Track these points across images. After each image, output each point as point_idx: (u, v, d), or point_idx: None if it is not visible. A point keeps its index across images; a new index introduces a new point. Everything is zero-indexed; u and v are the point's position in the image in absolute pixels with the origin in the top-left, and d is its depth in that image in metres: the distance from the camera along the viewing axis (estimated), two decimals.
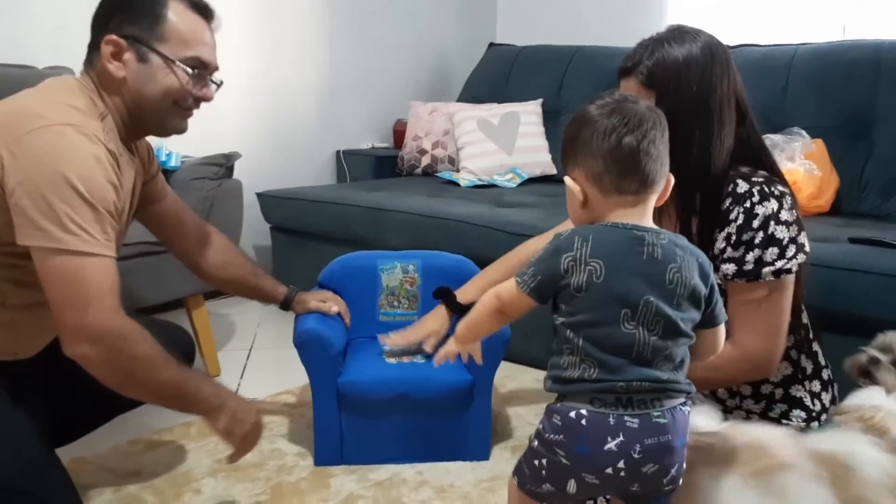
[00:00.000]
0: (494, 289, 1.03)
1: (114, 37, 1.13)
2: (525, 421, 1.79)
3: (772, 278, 1.18)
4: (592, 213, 0.99)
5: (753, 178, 1.20)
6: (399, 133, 3.26)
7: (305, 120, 3.10)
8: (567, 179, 1.01)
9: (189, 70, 1.18)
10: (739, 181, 1.20)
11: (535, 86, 3.07)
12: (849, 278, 1.56)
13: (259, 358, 2.26)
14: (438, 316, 1.62)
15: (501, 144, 2.90)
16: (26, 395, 1.20)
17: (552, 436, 0.94)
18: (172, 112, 1.21)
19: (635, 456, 0.91)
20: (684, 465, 0.96)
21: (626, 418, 0.92)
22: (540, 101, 3.00)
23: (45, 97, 1.11)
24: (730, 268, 1.20)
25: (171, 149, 2.13)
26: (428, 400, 1.55)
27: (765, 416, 1.33)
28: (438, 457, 1.58)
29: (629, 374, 0.92)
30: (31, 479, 1.06)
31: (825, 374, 1.35)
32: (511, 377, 2.06)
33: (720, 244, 1.22)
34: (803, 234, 1.20)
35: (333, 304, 1.60)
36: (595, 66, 2.95)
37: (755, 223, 1.18)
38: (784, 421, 1.31)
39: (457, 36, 3.66)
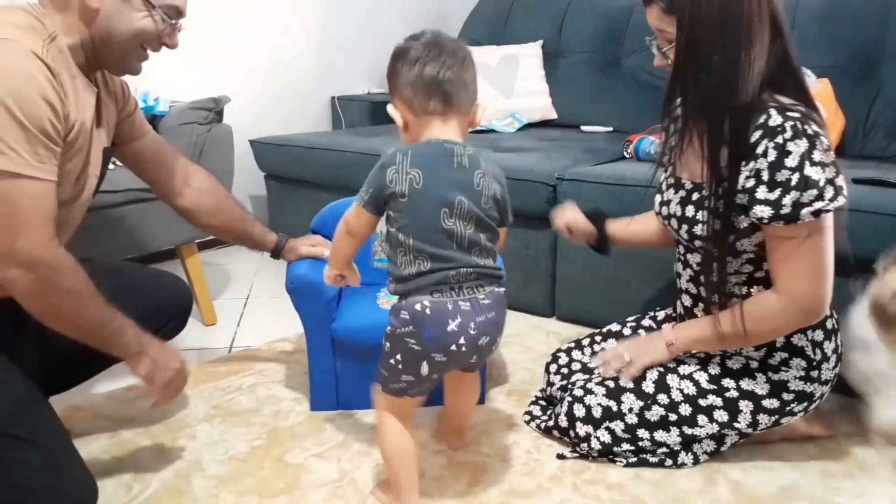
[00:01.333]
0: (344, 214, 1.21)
1: None
2: (521, 366, 1.79)
3: (811, 219, 1.14)
4: (413, 134, 1.18)
5: (789, 113, 1.14)
6: None
7: (300, 65, 3.03)
8: (389, 108, 1.19)
9: (166, 17, 1.18)
10: (773, 113, 1.15)
11: (534, 27, 2.98)
12: (852, 219, 1.52)
13: (255, 307, 2.25)
14: (581, 218, 1.58)
15: (500, 88, 2.83)
16: (19, 339, 1.18)
17: (402, 329, 1.13)
18: (136, 52, 1.19)
19: (472, 332, 1.13)
20: (500, 333, 1.21)
21: (460, 303, 1.12)
22: (539, 42, 2.92)
23: None
24: (766, 211, 1.15)
25: (160, 94, 2.08)
26: None
27: (764, 364, 1.32)
28: (434, 401, 1.57)
29: (456, 261, 1.12)
30: (18, 423, 1.05)
31: (829, 323, 1.33)
32: (508, 323, 2.00)
33: (748, 180, 1.17)
34: (840, 176, 1.15)
35: (324, 248, 1.58)
36: (595, 6, 2.86)
37: (789, 162, 1.13)
38: (783, 368, 1.30)
39: None
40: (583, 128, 2.75)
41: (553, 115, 2.85)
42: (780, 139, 1.13)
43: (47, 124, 1.03)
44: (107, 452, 1.41)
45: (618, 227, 1.58)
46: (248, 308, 2.24)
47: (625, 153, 2.20)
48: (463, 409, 1.41)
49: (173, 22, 1.20)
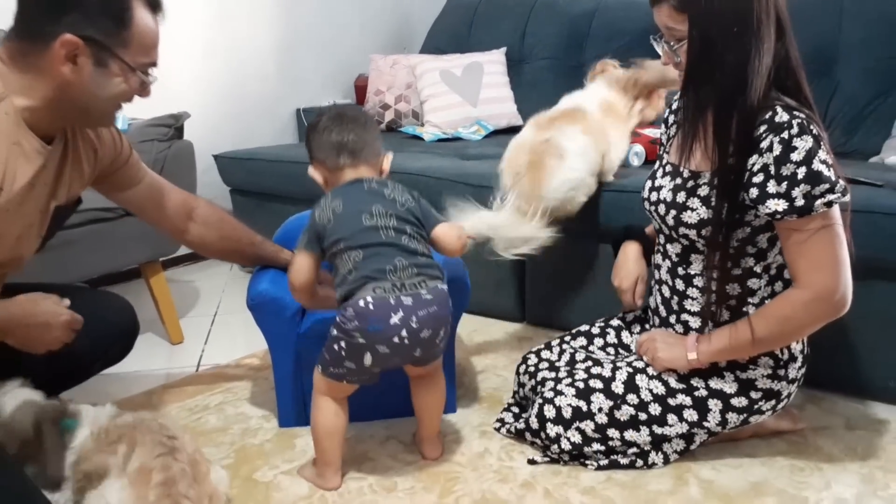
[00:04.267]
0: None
1: (71, 37, 1.03)
2: (493, 373, 1.78)
3: (824, 209, 1.15)
4: (332, 186, 1.35)
5: (795, 112, 1.16)
6: (360, 88, 3.18)
7: (262, 77, 3.01)
8: (309, 170, 1.38)
9: (144, 76, 1.13)
10: (779, 110, 1.16)
11: (497, 34, 2.99)
12: None
13: (224, 323, 2.22)
14: (631, 255, 1.54)
15: (465, 96, 2.83)
16: None
17: (349, 324, 1.21)
18: (115, 109, 1.18)
19: (413, 325, 1.21)
20: (449, 330, 1.29)
21: (402, 298, 1.21)
22: (503, 49, 2.93)
23: None
24: (779, 204, 1.16)
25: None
26: None
27: (733, 363, 1.32)
28: (405, 411, 1.56)
29: (389, 256, 1.23)
30: None
31: None
32: (479, 330, 2.05)
33: (756, 175, 1.18)
34: (842, 179, 1.16)
35: None
36: (557, 13, 2.88)
37: (794, 157, 1.14)
38: (751, 367, 1.31)
39: None
40: None
41: (519, 122, 2.85)
42: (785, 135, 1.14)
43: None
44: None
45: (652, 228, 1.55)
46: (215, 324, 2.21)
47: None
48: (429, 413, 1.41)
49: (149, 78, 1.15)
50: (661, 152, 1.47)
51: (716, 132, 1.21)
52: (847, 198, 1.16)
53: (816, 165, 1.14)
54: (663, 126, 1.48)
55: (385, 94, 2.98)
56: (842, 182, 1.15)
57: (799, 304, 1.20)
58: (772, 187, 1.16)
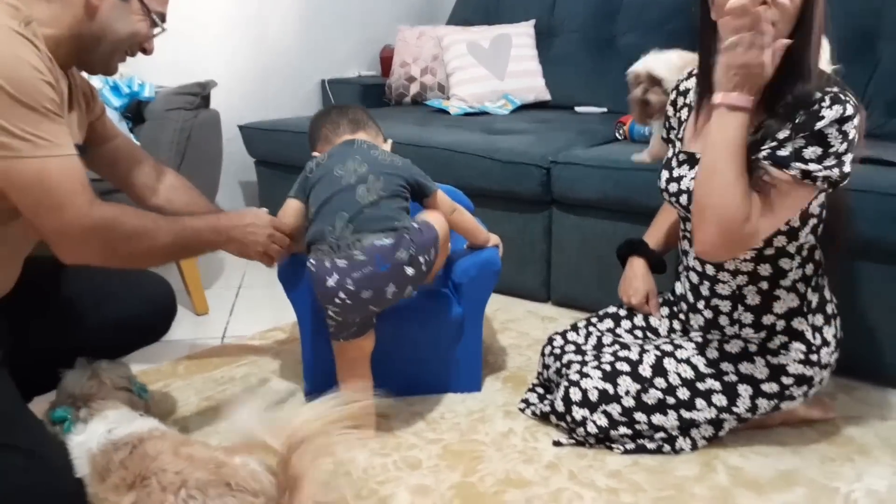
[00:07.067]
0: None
1: None
2: (517, 352, 1.77)
3: (796, 174, 1.11)
4: None
5: (840, 94, 1.11)
6: (386, 60, 3.13)
7: (288, 48, 2.97)
8: (315, 156, 1.43)
9: (158, 22, 1.20)
10: (826, 97, 1.11)
11: (526, 6, 2.92)
12: (850, 199, 1.51)
13: (248, 296, 2.23)
14: (639, 272, 1.53)
15: (493, 69, 2.78)
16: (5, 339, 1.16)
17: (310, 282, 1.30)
18: (121, 54, 1.20)
19: (350, 287, 1.24)
20: (409, 277, 1.29)
21: (336, 261, 1.25)
22: (532, 21, 2.87)
23: None
24: (765, 151, 1.13)
25: (145, 79, 2.04)
26: (418, 332, 1.52)
27: (763, 347, 1.30)
28: (430, 389, 1.56)
29: (331, 215, 1.28)
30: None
31: (829, 308, 1.31)
32: (503, 309, 2.03)
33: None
34: (849, 157, 1.11)
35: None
36: None
37: (818, 124, 1.10)
38: (783, 352, 1.29)
39: None
40: (577, 109, 2.71)
41: (547, 97, 2.80)
42: (815, 107, 1.10)
43: (49, 101, 1.02)
44: None
45: (655, 239, 1.56)
46: (240, 297, 2.21)
47: (616, 134, 2.17)
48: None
49: (161, 28, 1.22)
50: (670, 136, 1.42)
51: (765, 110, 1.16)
52: (834, 174, 1.11)
53: (828, 129, 1.09)
54: (670, 108, 1.43)
55: (411, 67, 2.94)
56: (839, 160, 1.10)
57: (732, 223, 1.12)
58: (781, 134, 1.13)
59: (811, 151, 1.11)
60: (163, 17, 1.22)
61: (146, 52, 1.22)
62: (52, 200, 1.03)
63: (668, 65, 1.60)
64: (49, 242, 1.08)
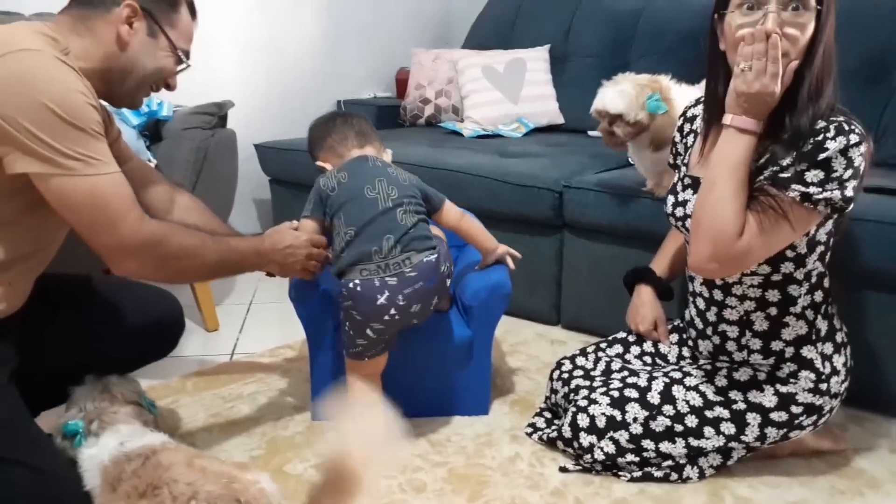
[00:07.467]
0: None
1: (134, 3, 1.15)
2: (526, 376, 1.77)
3: (796, 196, 1.11)
4: None
5: (847, 125, 1.12)
6: (402, 82, 3.17)
7: (304, 69, 3.02)
8: (318, 163, 1.49)
9: (183, 59, 1.24)
10: (831, 127, 1.12)
11: (541, 31, 2.95)
12: (860, 228, 1.50)
13: (259, 312, 2.24)
14: (646, 300, 1.54)
15: (507, 93, 2.81)
16: (17, 354, 1.18)
17: (346, 303, 1.33)
18: (146, 88, 1.24)
19: (401, 303, 1.31)
20: (447, 289, 1.41)
21: (386, 279, 1.30)
22: (547, 46, 2.90)
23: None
24: (767, 173, 1.14)
25: (163, 98, 2.07)
26: (426, 355, 1.52)
27: (772, 376, 1.29)
28: (437, 411, 1.56)
29: (377, 236, 1.32)
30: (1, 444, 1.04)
31: (839, 336, 1.31)
32: (513, 331, 2.03)
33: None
34: (853, 183, 1.12)
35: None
36: (603, 10, 2.83)
37: (821, 155, 1.11)
38: (792, 381, 1.28)
39: None
40: (590, 133, 2.72)
41: (560, 120, 2.82)
42: (820, 137, 1.11)
43: (96, 123, 1.07)
44: None
45: (662, 266, 1.56)
46: (251, 313, 2.23)
47: (630, 159, 2.17)
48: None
49: (185, 66, 1.26)
50: (676, 162, 1.43)
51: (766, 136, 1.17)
52: (835, 197, 1.11)
53: (832, 152, 1.10)
54: (677, 134, 1.44)
55: (426, 89, 2.97)
56: (842, 186, 1.11)
57: (724, 238, 1.13)
58: (785, 161, 1.14)
59: (813, 175, 1.11)
60: (187, 54, 1.26)
61: (170, 87, 1.26)
62: (106, 217, 1.08)
63: (623, 97, 1.63)
64: (103, 258, 1.13)
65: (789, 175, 1.12)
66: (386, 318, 1.30)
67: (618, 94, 1.64)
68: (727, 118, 1.16)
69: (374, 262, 1.31)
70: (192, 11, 1.26)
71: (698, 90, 1.76)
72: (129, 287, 1.46)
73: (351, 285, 1.31)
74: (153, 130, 2.10)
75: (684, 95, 1.69)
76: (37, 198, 1.06)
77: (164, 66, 1.22)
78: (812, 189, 1.11)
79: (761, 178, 1.15)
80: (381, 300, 1.29)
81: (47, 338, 1.26)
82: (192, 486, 0.98)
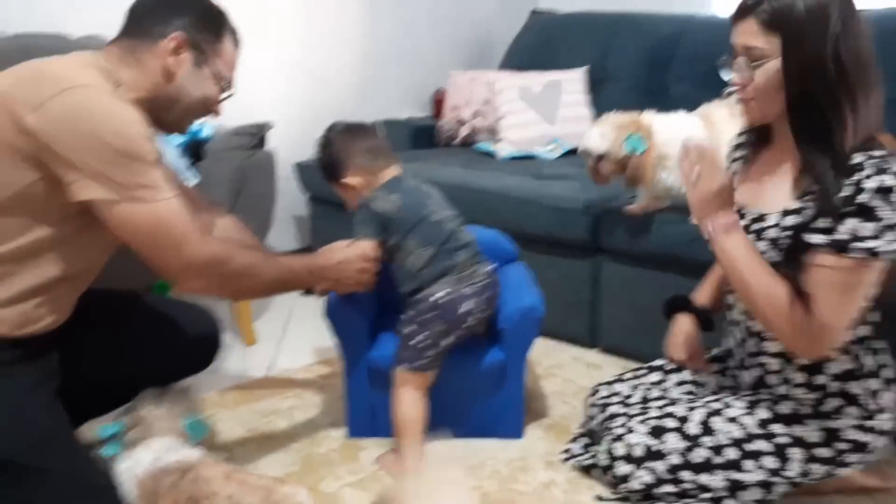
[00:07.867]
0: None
1: (181, 33, 1.18)
2: (561, 399, 1.75)
3: (862, 255, 1.09)
4: (372, 187, 1.48)
5: (883, 164, 1.09)
6: (439, 103, 3.20)
7: (343, 89, 3.06)
8: (347, 179, 1.48)
9: (227, 87, 1.27)
10: (866, 163, 1.09)
11: (579, 53, 2.96)
12: None
13: (296, 328, 2.26)
14: (685, 329, 1.50)
15: (543, 114, 2.81)
16: (58, 368, 1.21)
17: (427, 315, 1.44)
18: (192, 118, 1.28)
19: (478, 310, 1.47)
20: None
21: (463, 289, 1.45)
22: (584, 68, 2.90)
23: (54, 61, 1.12)
24: (819, 238, 1.11)
25: (205, 119, 2.12)
26: (460, 377, 1.52)
27: (816, 410, 1.26)
28: (471, 433, 1.56)
29: (453, 252, 1.46)
30: (43, 455, 1.07)
31: (887, 372, 1.27)
32: (548, 354, 2.02)
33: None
34: None
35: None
36: (642, 33, 2.82)
37: (859, 197, 1.08)
38: (836, 416, 1.25)
39: (498, 2, 3.56)
40: None
41: None
42: (855, 177, 1.08)
43: (153, 152, 1.11)
44: None
45: (706, 295, 1.52)
46: (288, 329, 2.25)
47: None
48: None
49: (229, 93, 1.29)
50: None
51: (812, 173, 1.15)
52: None
53: (876, 203, 1.07)
54: (725, 161, 1.43)
55: (462, 110, 2.99)
56: None
57: (793, 316, 1.14)
58: (819, 222, 1.12)
59: (866, 229, 1.08)
60: (231, 82, 1.28)
61: (215, 114, 1.30)
62: (170, 240, 1.13)
63: (605, 137, 1.75)
64: (170, 279, 1.18)
65: (846, 237, 1.09)
66: (464, 325, 1.45)
67: (599, 136, 1.77)
68: (707, 228, 1.22)
69: (454, 275, 1.44)
70: (236, 40, 1.29)
71: (684, 118, 1.86)
72: (169, 303, 1.49)
73: (432, 299, 1.43)
74: (193, 150, 2.15)
75: (668, 128, 1.78)
76: (90, 221, 1.10)
77: (209, 94, 1.25)
78: (872, 243, 1.08)
79: (813, 240, 1.12)
80: (463, 308, 1.44)
81: (86, 352, 1.28)
82: (231, 498, 0.99)
